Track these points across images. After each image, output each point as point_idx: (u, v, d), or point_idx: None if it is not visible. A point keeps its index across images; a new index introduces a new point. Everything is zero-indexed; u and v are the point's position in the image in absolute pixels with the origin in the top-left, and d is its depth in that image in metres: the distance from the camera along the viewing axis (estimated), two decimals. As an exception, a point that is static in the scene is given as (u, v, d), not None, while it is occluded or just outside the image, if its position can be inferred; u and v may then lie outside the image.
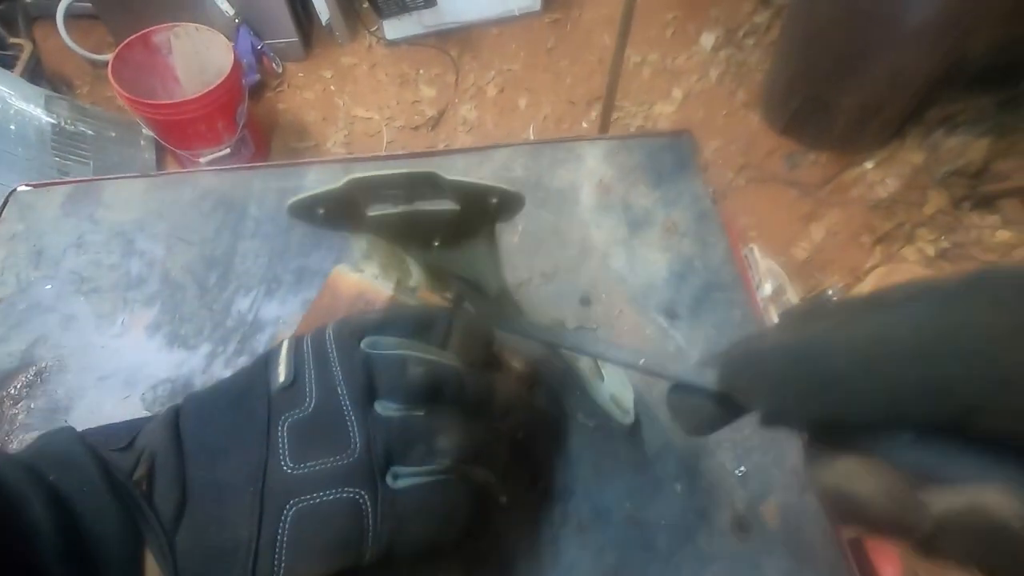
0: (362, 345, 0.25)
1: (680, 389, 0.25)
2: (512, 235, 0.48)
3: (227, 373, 0.43)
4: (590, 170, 0.51)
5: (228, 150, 1.47)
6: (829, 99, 1.45)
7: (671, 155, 0.52)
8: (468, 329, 0.27)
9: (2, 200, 0.51)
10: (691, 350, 0.42)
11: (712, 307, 0.43)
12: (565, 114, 1.73)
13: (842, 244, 1.43)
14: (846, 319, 0.18)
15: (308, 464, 0.23)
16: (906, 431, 0.17)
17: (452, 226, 0.29)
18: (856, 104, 1.42)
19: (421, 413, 0.24)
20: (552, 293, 0.45)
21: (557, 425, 0.38)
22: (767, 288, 0.49)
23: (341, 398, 0.24)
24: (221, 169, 0.52)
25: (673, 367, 0.27)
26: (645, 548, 0.34)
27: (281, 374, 0.25)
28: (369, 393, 0.24)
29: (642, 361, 0.28)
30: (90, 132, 1.48)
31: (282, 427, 0.23)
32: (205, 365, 0.43)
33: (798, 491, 0.36)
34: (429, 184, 0.25)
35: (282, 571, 0.21)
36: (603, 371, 0.36)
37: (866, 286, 1.04)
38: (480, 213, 0.27)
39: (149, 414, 0.41)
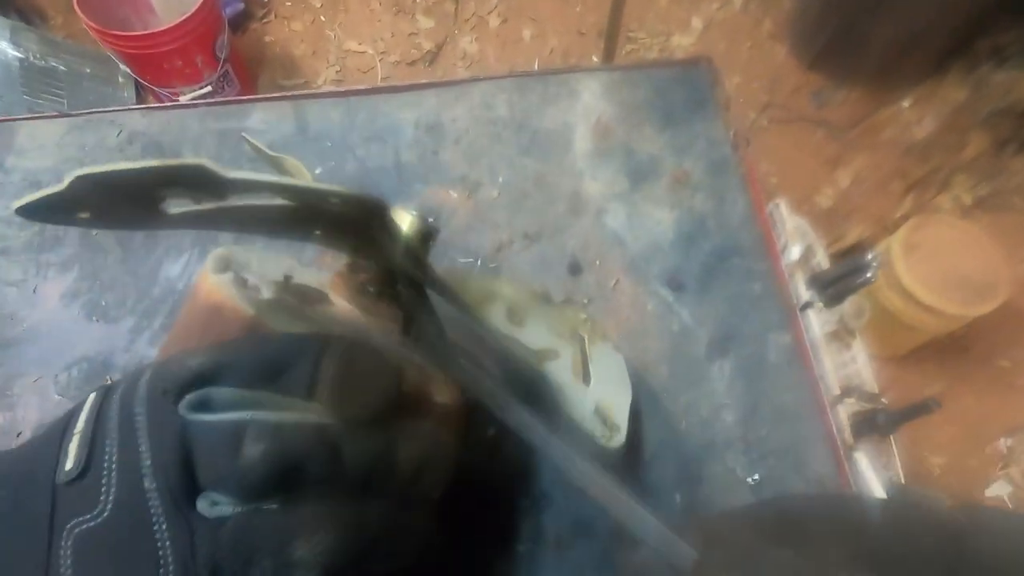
0: (182, 406, 0.17)
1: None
2: (491, 188, 0.40)
3: (153, 352, 0.37)
4: (586, 108, 0.43)
5: (210, 87, 1.37)
6: (865, 28, 1.31)
7: (685, 90, 0.43)
8: (350, 366, 0.18)
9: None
10: (698, 330, 0.35)
11: (726, 277, 0.36)
12: (573, 46, 1.59)
13: (870, 191, 1.33)
14: None
15: None
16: None
17: (334, 217, 0.20)
18: (895, 34, 1.28)
19: (274, 506, 0.17)
20: (535, 259, 0.38)
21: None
22: (794, 252, 0.42)
23: (148, 495, 0.16)
24: (150, 108, 0.44)
25: (637, 516, 0.21)
26: (634, 573, 0.29)
27: (71, 457, 0.17)
28: (188, 484, 0.17)
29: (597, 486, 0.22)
30: (62, 68, 1.38)
31: (66, 540, 0.16)
32: (128, 342, 0.36)
33: (822, 504, 0.30)
34: (201, 179, 0.16)
35: None
36: (591, 369, 0.28)
37: (896, 242, 0.95)
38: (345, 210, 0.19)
39: (62, 399, 0.36)
